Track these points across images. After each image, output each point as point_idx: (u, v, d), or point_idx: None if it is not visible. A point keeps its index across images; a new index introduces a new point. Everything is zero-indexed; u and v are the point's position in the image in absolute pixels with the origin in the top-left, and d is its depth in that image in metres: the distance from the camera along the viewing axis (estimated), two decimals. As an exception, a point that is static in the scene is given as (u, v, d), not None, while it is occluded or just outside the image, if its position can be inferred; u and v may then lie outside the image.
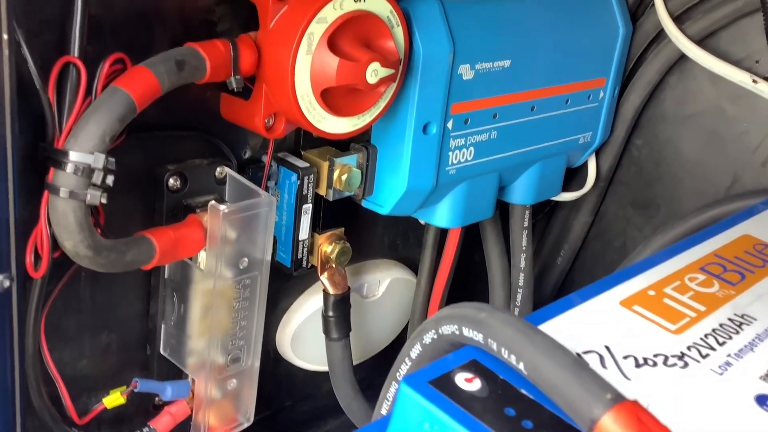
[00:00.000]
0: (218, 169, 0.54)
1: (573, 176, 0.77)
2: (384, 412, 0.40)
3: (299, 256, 0.60)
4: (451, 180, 0.60)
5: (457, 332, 0.36)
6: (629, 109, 0.74)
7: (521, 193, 0.69)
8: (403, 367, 0.39)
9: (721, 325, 0.42)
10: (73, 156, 0.41)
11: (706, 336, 0.41)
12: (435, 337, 0.37)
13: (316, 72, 0.48)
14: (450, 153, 0.59)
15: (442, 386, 0.34)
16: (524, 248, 0.73)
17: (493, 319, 0.34)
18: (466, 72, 0.57)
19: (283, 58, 0.47)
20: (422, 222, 0.68)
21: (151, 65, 0.44)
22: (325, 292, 0.63)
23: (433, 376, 0.35)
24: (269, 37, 0.48)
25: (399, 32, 0.52)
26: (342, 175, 0.57)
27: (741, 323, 0.42)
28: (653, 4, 0.69)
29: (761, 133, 0.70)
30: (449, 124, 0.57)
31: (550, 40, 0.63)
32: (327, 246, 0.61)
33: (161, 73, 0.43)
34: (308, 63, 0.48)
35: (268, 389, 0.67)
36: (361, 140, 0.57)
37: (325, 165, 0.57)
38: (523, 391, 0.34)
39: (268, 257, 0.54)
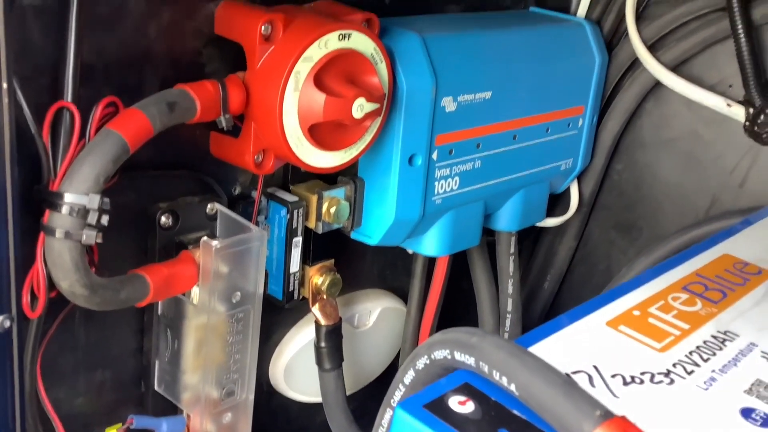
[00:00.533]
0: (209, 205, 0.54)
1: (556, 202, 0.78)
2: (380, 438, 0.41)
3: (290, 288, 0.60)
4: (437, 209, 0.61)
5: (449, 357, 0.37)
6: (608, 136, 0.75)
7: (506, 220, 0.70)
8: (397, 393, 0.40)
9: (704, 342, 0.43)
10: (69, 198, 0.42)
11: (690, 353, 0.42)
12: (428, 362, 0.38)
13: (304, 109, 0.49)
14: (436, 183, 0.60)
15: (437, 410, 0.35)
16: (511, 274, 0.74)
17: (485, 342, 0.35)
18: (448, 104, 0.58)
19: (271, 96, 0.49)
20: (410, 251, 0.69)
21: (143, 107, 0.45)
22: (317, 324, 0.63)
23: (427, 400, 0.35)
24: (257, 77, 0.49)
25: (383, 68, 0.53)
26: (330, 207, 0.58)
27: (724, 340, 0.43)
28: (627, 34, 0.71)
29: (737, 155, 0.71)
30: (434, 155, 0.59)
31: (529, 71, 0.64)
32: (318, 278, 0.62)
33: (153, 114, 0.45)
34: (296, 100, 0.49)
35: (262, 422, 0.67)
36: (348, 173, 0.58)
37: (314, 198, 0.58)
38: (516, 412, 0.35)
39: (261, 291, 0.55)
